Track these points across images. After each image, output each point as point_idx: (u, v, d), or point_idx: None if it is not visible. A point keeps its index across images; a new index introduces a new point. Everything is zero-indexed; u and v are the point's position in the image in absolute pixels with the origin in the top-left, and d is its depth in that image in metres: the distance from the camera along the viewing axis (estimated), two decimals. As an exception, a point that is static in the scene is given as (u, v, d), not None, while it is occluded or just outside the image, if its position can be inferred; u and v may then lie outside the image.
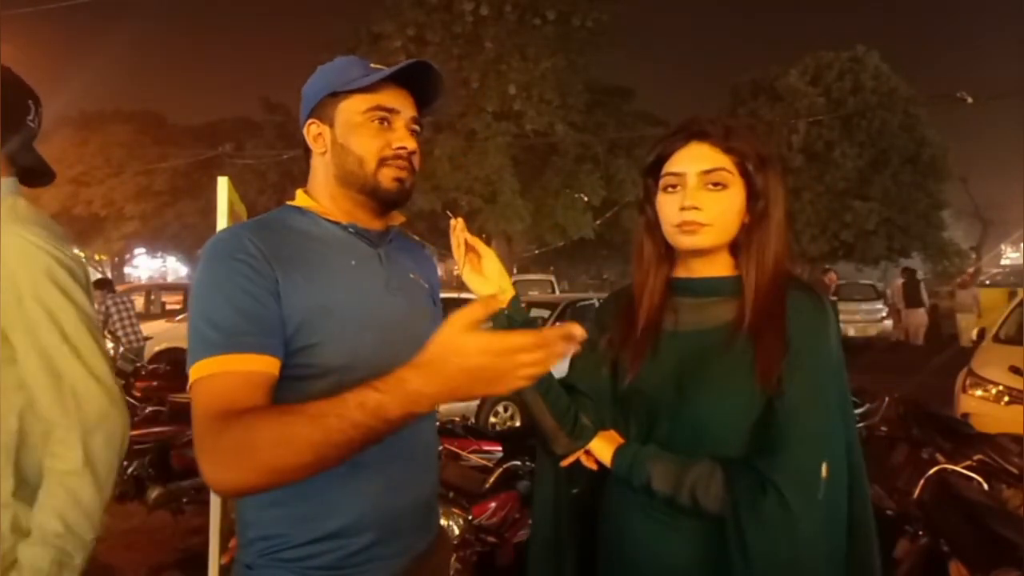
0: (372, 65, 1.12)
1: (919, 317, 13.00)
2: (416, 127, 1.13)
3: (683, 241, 1.11)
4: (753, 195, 1.11)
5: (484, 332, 0.76)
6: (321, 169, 1.13)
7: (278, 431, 0.83)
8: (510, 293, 1.18)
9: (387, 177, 1.09)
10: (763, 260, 1.10)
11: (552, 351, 0.77)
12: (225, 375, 0.91)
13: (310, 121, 1.12)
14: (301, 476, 0.84)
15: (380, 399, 0.80)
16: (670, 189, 1.12)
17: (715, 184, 1.09)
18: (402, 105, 1.11)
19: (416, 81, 1.12)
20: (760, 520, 0.99)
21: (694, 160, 1.10)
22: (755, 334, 1.07)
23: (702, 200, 1.09)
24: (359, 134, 1.09)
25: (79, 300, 1.20)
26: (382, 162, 1.09)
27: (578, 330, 0.77)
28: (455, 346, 0.76)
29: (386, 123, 1.09)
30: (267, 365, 0.94)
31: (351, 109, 1.09)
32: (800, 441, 1.01)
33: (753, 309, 1.09)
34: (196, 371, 0.92)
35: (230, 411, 0.86)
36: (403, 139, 1.10)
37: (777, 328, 1.06)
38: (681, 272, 1.18)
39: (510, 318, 1.16)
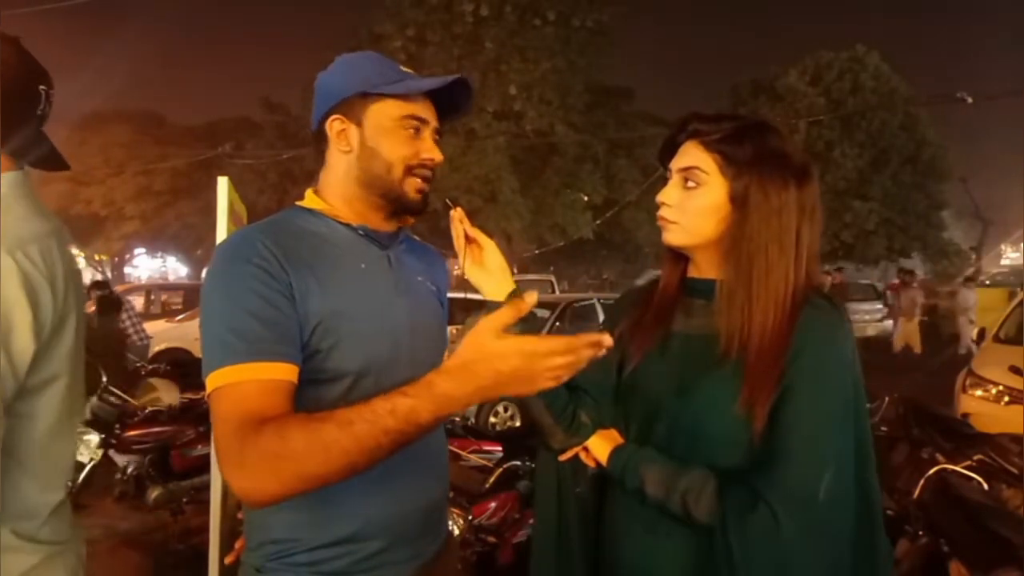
0: (402, 68, 1.10)
1: None
2: (437, 137, 1.13)
3: (663, 236, 1.12)
4: (733, 199, 1.06)
5: (516, 336, 0.80)
6: (342, 168, 1.10)
7: (310, 439, 0.82)
8: (511, 287, 1.16)
9: (412, 187, 1.09)
10: (737, 268, 1.05)
11: (580, 355, 0.80)
12: (247, 383, 0.89)
13: (334, 116, 1.08)
14: (331, 483, 0.84)
15: (412, 404, 0.81)
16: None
17: (688, 182, 1.08)
18: (430, 115, 1.10)
19: (440, 91, 1.10)
20: (748, 536, 0.95)
21: (680, 156, 1.10)
22: (744, 351, 1.02)
23: (673, 197, 1.09)
24: (391, 140, 1.07)
25: None
26: (408, 170, 1.08)
27: (607, 339, 0.81)
28: (489, 350, 0.79)
29: (417, 132, 1.09)
30: (287, 373, 0.93)
31: (384, 113, 1.07)
32: (798, 459, 0.97)
33: (729, 321, 1.04)
34: (216, 379, 0.90)
35: (256, 420, 0.85)
36: (431, 150, 1.10)
37: (776, 347, 1.01)
38: (693, 271, 1.15)
39: None
